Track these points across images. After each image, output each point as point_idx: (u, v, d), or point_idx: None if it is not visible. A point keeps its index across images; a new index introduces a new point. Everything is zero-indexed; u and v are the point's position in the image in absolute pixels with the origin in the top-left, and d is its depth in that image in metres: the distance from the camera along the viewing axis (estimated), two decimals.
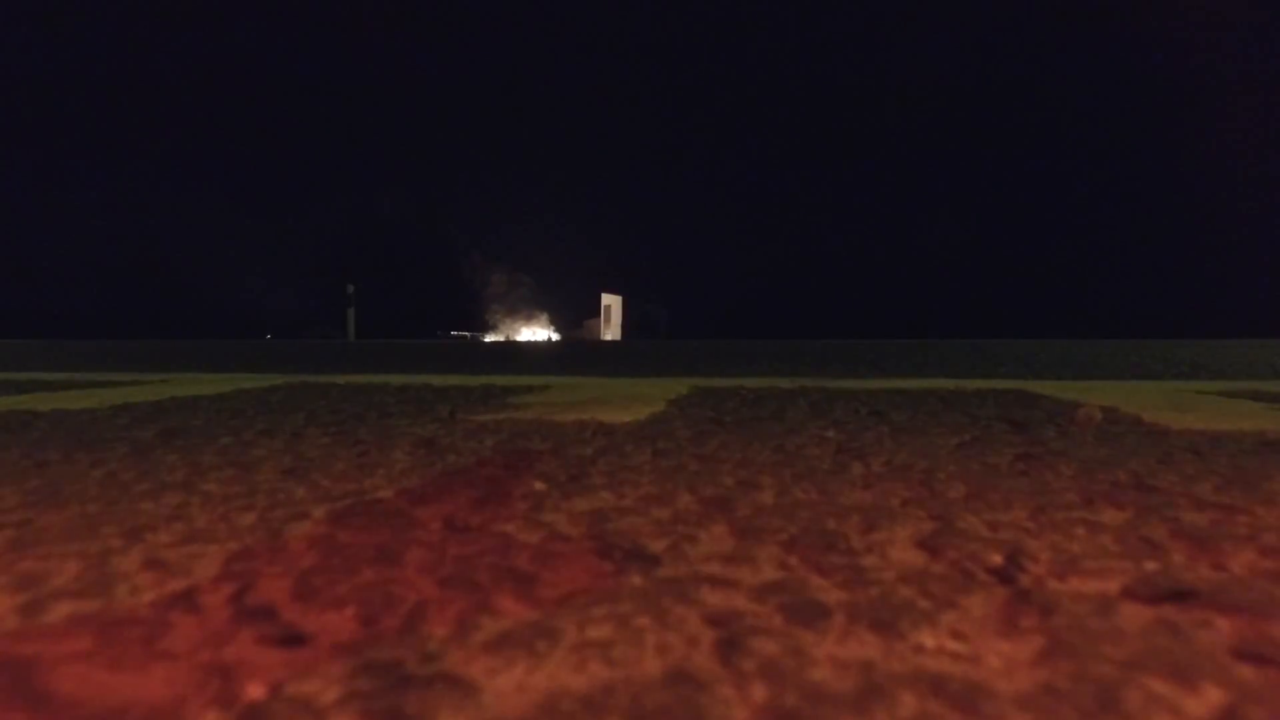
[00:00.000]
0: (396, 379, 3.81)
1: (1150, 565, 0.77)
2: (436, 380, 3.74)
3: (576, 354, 9.72)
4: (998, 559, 0.79)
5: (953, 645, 0.58)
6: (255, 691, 0.51)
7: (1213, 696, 0.50)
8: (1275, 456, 1.43)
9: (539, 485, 1.17)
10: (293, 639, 0.59)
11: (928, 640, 0.58)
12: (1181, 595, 0.68)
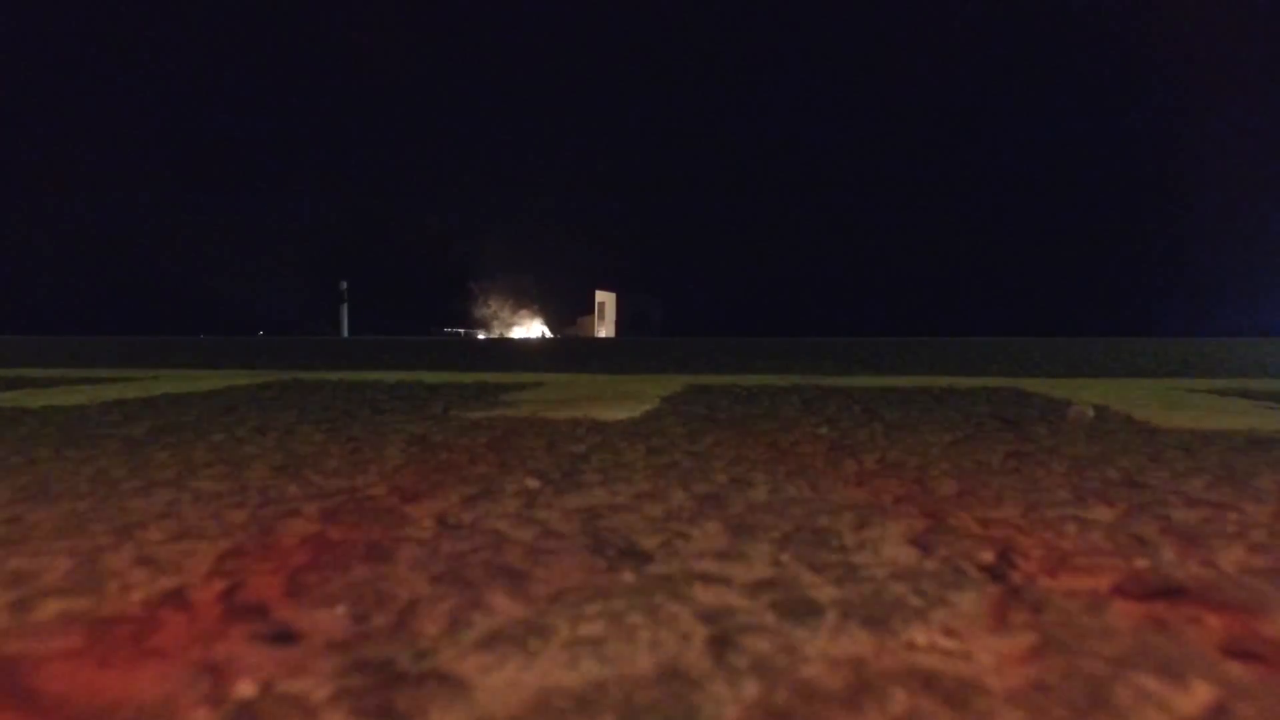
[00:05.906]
0: (389, 376, 3.80)
1: (1141, 562, 0.77)
2: (429, 377, 3.73)
3: (570, 351, 9.71)
4: (989, 556, 0.79)
5: (944, 642, 0.58)
6: (246, 689, 0.51)
7: (1202, 693, 0.50)
8: (1265, 454, 1.44)
9: (532, 482, 1.17)
10: (284, 637, 0.59)
11: (919, 637, 0.59)
12: (1172, 592, 0.68)
